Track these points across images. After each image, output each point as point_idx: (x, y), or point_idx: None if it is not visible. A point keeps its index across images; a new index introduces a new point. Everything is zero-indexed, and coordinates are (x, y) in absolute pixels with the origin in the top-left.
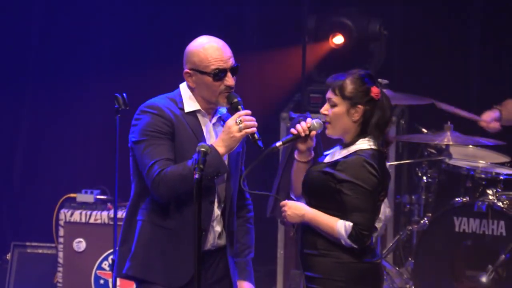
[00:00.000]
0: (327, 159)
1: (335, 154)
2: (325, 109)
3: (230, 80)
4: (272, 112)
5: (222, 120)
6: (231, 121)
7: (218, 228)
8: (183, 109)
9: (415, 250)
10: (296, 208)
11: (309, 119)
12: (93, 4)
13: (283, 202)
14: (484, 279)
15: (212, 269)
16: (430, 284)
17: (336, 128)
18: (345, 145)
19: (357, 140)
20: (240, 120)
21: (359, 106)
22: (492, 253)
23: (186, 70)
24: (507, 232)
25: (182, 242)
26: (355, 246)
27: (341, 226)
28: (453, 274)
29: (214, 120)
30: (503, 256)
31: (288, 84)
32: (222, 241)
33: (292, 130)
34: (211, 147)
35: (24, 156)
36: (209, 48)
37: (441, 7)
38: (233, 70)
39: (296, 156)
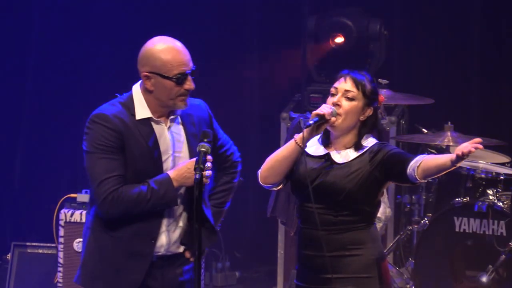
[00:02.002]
0: (338, 160)
1: (342, 154)
2: (339, 100)
3: (190, 84)
4: (272, 112)
5: (181, 123)
6: (194, 165)
7: (174, 235)
8: (134, 116)
9: (415, 250)
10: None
11: (326, 106)
12: (94, 3)
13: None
14: (484, 279)
15: (164, 276)
16: (430, 284)
17: (345, 121)
18: (352, 145)
19: (361, 139)
20: (207, 169)
21: (370, 108)
22: (492, 253)
23: (145, 73)
24: (507, 232)
25: (131, 251)
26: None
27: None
28: (453, 274)
29: (168, 123)
30: (504, 256)
31: (288, 84)
32: (179, 249)
33: (316, 112)
34: (167, 178)
35: (24, 156)
36: (170, 52)
37: (441, 7)
38: (193, 73)
39: (298, 139)
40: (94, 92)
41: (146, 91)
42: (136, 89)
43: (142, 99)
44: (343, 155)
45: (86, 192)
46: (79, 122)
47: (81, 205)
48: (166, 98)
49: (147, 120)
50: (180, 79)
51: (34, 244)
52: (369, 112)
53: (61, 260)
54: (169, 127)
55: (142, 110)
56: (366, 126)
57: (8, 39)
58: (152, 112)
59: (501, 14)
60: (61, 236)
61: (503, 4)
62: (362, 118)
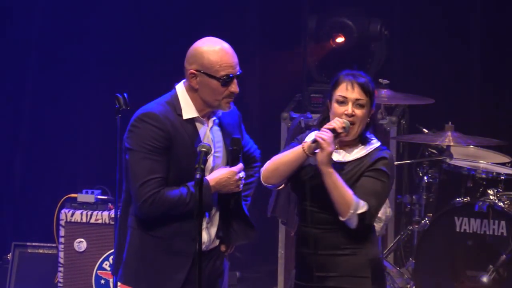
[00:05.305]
0: (336, 158)
1: (342, 154)
2: (352, 110)
3: (235, 86)
4: (273, 112)
5: (219, 124)
6: (236, 175)
7: (212, 231)
8: (181, 116)
9: (416, 250)
10: (328, 153)
11: (337, 119)
12: (94, 3)
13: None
14: (485, 279)
15: (204, 270)
16: (431, 284)
17: (358, 129)
18: (355, 145)
19: (367, 138)
20: (243, 178)
21: (372, 108)
22: (493, 253)
23: (192, 70)
24: (508, 232)
25: (173, 250)
26: (354, 225)
27: (357, 200)
28: (454, 274)
29: (210, 123)
30: (504, 256)
31: (288, 84)
32: (216, 243)
33: (327, 126)
34: (207, 184)
35: (24, 156)
36: (220, 52)
37: (441, 7)
38: (238, 77)
39: (306, 148)
40: (95, 92)
41: (190, 90)
42: (181, 88)
43: (187, 98)
44: (342, 154)
45: (86, 192)
46: (80, 122)
47: (81, 205)
48: (212, 98)
49: (192, 120)
50: (226, 81)
51: (34, 244)
52: (373, 112)
53: (61, 260)
54: (210, 128)
55: (188, 110)
56: (368, 125)
57: (8, 38)
58: (198, 112)
59: (501, 14)
60: (62, 236)
61: (503, 4)
62: (368, 120)
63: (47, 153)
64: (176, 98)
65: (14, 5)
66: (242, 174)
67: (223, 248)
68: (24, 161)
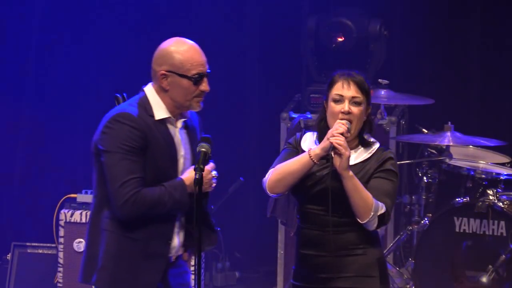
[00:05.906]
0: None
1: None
2: (348, 108)
3: (206, 85)
4: (272, 112)
5: (185, 126)
6: (209, 173)
7: (181, 237)
8: (153, 117)
9: (415, 250)
10: (348, 157)
11: (339, 122)
12: (93, 3)
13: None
14: (484, 279)
15: (168, 279)
16: (430, 284)
17: (356, 128)
18: (355, 147)
19: (367, 140)
20: (215, 176)
21: (369, 106)
22: (492, 253)
23: (162, 71)
24: (507, 232)
25: (150, 252)
26: (374, 226)
27: (377, 202)
28: (453, 274)
29: (179, 125)
30: (503, 256)
31: (288, 84)
32: (181, 251)
33: (338, 132)
34: (182, 183)
35: (24, 156)
36: (190, 51)
37: (441, 7)
38: (208, 76)
39: (314, 156)
40: (94, 92)
41: (161, 91)
42: (150, 90)
43: (158, 99)
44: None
45: (86, 192)
46: (80, 122)
47: (81, 205)
48: (182, 99)
49: (164, 121)
50: (197, 80)
51: (34, 244)
52: (369, 110)
53: (61, 260)
54: (178, 129)
55: (160, 111)
56: (365, 124)
57: (8, 38)
58: (169, 113)
59: (501, 14)
60: (61, 236)
61: (503, 4)
62: (364, 118)
63: (47, 153)
64: (146, 100)
65: (14, 3)
66: (214, 173)
67: (185, 256)
68: (24, 161)
